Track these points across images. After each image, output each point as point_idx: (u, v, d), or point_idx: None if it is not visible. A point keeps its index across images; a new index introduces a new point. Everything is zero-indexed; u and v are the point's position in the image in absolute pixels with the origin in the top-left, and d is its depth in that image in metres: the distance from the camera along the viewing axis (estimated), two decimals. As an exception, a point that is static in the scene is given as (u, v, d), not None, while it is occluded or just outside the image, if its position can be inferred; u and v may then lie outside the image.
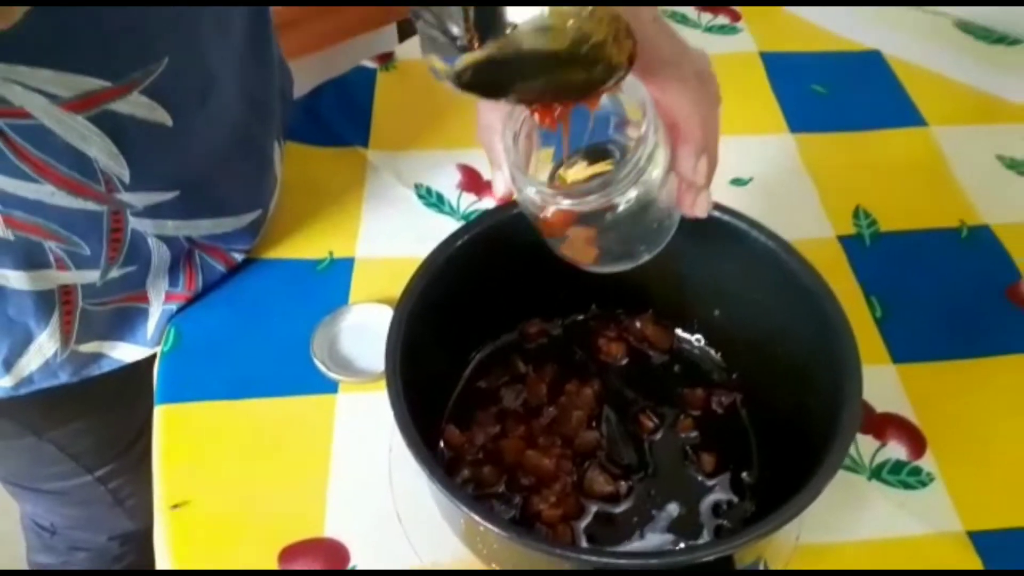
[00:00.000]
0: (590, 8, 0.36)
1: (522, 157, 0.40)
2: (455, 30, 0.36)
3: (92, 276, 0.52)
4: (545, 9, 0.36)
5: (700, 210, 0.43)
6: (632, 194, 0.39)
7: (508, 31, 0.37)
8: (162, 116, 0.47)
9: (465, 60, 0.36)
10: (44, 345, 0.54)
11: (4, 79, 0.40)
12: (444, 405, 0.52)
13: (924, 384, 0.56)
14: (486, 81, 0.37)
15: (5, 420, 0.62)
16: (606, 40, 0.36)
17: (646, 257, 0.44)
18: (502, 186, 0.44)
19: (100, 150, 0.46)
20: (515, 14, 0.36)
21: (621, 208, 0.39)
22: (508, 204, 0.50)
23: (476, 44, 0.36)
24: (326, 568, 0.48)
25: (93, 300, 0.54)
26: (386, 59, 0.79)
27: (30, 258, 0.49)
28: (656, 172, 0.39)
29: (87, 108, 0.44)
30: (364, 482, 0.51)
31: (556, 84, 0.37)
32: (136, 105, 0.45)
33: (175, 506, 0.50)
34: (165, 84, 0.45)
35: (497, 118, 0.43)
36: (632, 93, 0.39)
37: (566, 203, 0.39)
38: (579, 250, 0.43)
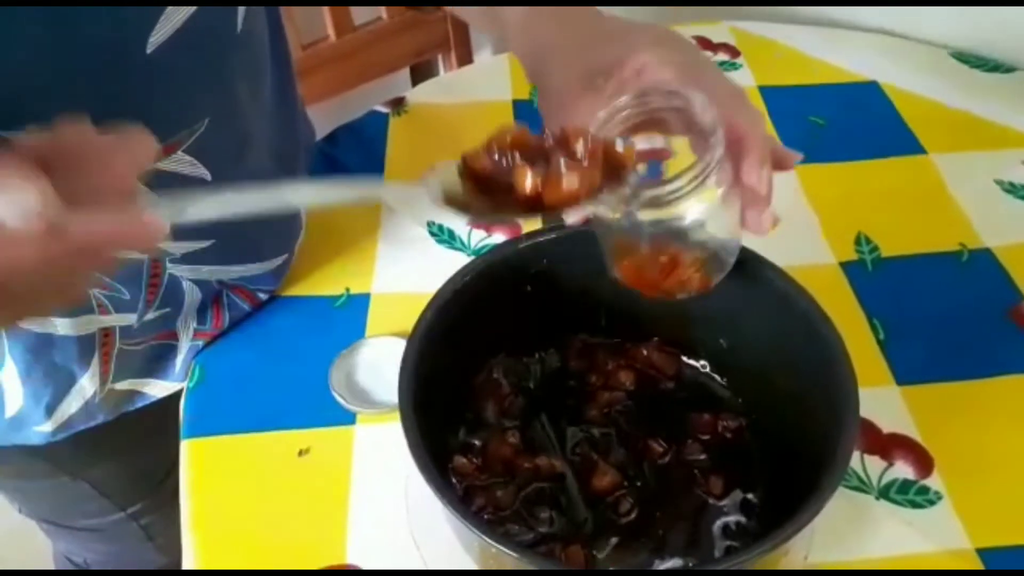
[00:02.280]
0: None
1: None
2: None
3: (130, 319, 0.55)
4: None
5: (766, 224, 0.44)
6: (699, 207, 0.41)
7: None
8: (202, 172, 0.50)
9: None
10: (85, 387, 0.56)
11: None
12: (457, 431, 0.53)
13: (929, 405, 0.57)
14: None
15: (41, 461, 0.64)
16: None
17: (711, 283, 0.46)
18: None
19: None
20: None
21: (688, 220, 0.42)
22: (516, 238, 0.53)
23: None
24: (347, 594, 0.49)
25: (129, 340, 0.57)
26: (398, 104, 0.82)
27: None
28: (720, 190, 0.41)
29: None
30: (382, 509, 0.53)
31: None
32: (180, 163, 0.48)
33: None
34: (205, 143, 0.49)
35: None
36: (703, 113, 0.41)
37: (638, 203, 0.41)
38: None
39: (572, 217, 0.46)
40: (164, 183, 0.49)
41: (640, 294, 0.46)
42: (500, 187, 0.39)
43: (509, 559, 0.40)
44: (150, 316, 0.56)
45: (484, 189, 0.40)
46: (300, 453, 0.56)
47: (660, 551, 0.48)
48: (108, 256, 0.32)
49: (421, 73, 1.21)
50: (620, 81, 0.42)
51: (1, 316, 0.33)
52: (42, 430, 0.57)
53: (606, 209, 0.42)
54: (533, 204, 0.39)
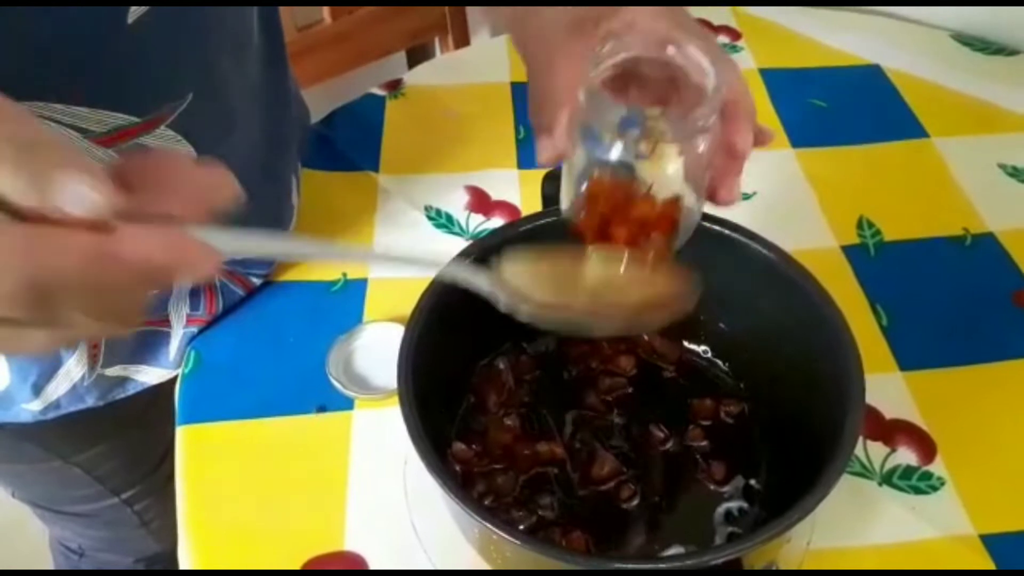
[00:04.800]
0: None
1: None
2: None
3: None
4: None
5: (735, 194, 0.43)
6: (679, 163, 0.39)
7: None
8: (187, 148, 0.49)
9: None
10: (72, 370, 0.55)
11: (42, 117, 0.42)
12: (456, 416, 0.53)
13: (932, 390, 0.57)
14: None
15: (32, 444, 0.63)
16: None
17: (673, 249, 0.43)
18: (548, 150, 0.44)
19: None
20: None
21: (671, 170, 0.40)
22: (516, 221, 0.52)
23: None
24: (346, 581, 0.49)
25: None
26: (394, 86, 0.81)
27: None
28: (702, 149, 0.40)
29: (117, 143, 0.46)
30: (381, 495, 0.52)
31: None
32: (162, 139, 0.47)
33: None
34: (189, 119, 0.48)
35: (557, 89, 0.44)
36: (701, 63, 0.39)
37: (634, 133, 0.38)
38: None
39: (543, 155, 0.44)
40: None
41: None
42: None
43: (509, 545, 0.39)
44: None
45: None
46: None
47: (661, 537, 0.48)
48: (158, 277, 0.29)
49: (417, 56, 1.20)
50: (610, 30, 0.41)
51: (36, 335, 0.29)
52: (30, 408, 0.56)
53: (594, 145, 0.40)
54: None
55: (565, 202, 0.44)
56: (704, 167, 0.41)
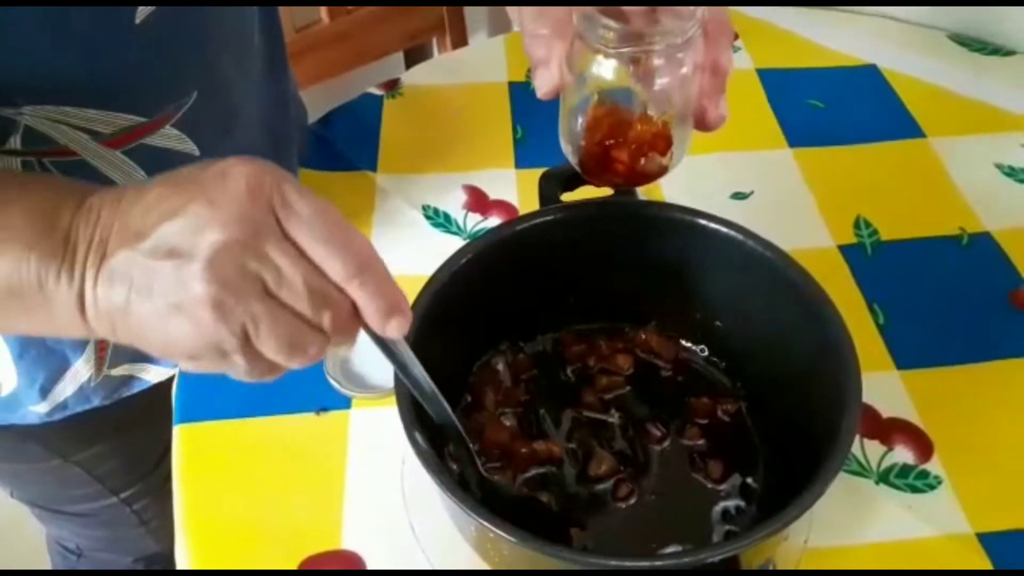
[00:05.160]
0: None
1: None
2: None
3: None
4: None
5: (724, 109, 0.45)
6: (665, 80, 0.42)
7: None
8: (190, 147, 0.50)
9: None
10: (79, 371, 0.55)
11: (53, 120, 0.43)
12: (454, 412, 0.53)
13: (929, 389, 0.57)
14: None
15: (33, 444, 0.63)
16: None
17: (669, 168, 0.46)
18: (547, 82, 0.46)
19: (135, 182, 0.48)
20: None
21: (657, 86, 0.43)
22: (513, 220, 0.52)
23: None
24: (343, 580, 0.49)
25: None
26: (392, 86, 0.81)
27: None
28: (686, 68, 0.43)
29: (125, 143, 0.47)
30: (378, 494, 0.52)
31: None
32: (167, 138, 0.48)
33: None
34: (193, 118, 0.48)
35: (542, 25, 0.45)
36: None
37: (626, 50, 0.41)
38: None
39: (543, 87, 0.46)
40: (153, 158, 0.48)
41: (596, 183, 0.48)
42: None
43: (506, 544, 0.39)
44: None
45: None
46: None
47: (659, 536, 0.47)
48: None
49: (415, 57, 1.20)
50: None
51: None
52: (37, 410, 0.56)
53: (588, 51, 0.42)
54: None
55: (563, 137, 0.46)
56: (691, 90, 0.44)
